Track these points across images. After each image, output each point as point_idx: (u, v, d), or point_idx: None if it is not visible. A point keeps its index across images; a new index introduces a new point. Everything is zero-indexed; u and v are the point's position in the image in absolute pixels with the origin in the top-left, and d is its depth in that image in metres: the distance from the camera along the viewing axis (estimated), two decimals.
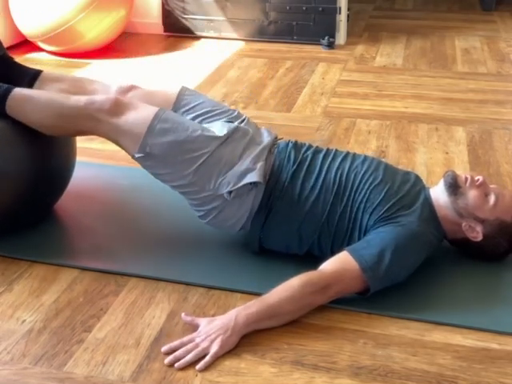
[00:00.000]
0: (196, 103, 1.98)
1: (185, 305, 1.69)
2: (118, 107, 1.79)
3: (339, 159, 1.85)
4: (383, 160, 1.94)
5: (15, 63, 2.02)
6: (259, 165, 1.78)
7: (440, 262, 1.83)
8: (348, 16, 4.18)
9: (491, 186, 1.83)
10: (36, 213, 2.00)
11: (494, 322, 1.63)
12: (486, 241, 1.79)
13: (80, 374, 1.47)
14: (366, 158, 1.89)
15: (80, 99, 1.82)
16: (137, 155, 1.78)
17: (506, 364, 1.51)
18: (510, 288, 1.78)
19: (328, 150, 1.91)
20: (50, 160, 1.95)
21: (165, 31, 4.31)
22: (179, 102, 1.97)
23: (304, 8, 4.04)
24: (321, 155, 1.86)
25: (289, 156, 1.84)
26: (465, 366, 1.50)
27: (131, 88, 2.01)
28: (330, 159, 1.84)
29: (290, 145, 1.88)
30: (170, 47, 4.09)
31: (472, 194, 1.78)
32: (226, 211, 1.79)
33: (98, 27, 3.71)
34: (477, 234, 1.78)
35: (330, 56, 3.89)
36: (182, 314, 1.61)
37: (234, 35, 4.20)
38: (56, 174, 2.00)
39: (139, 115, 1.79)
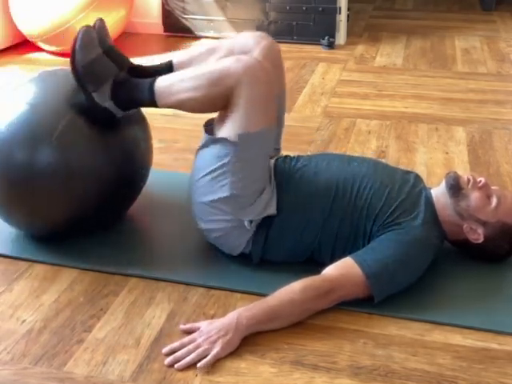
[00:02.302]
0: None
1: (185, 305, 1.69)
2: (258, 71, 1.69)
3: (335, 164, 1.84)
4: (380, 160, 1.93)
5: (144, 67, 1.94)
6: (274, 196, 1.78)
7: (440, 261, 1.82)
8: (348, 16, 4.18)
9: (493, 187, 1.82)
10: (110, 217, 1.98)
11: (494, 322, 1.63)
12: (487, 243, 1.78)
13: (80, 374, 1.47)
14: (363, 160, 1.89)
15: (223, 61, 1.75)
16: (233, 139, 1.69)
17: (506, 364, 1.51)
18: (511, 288, 1.78)
19: (321, 156, 1.90)
20: (132, 164, 1.93)
21: (165, 31, 4.31)
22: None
23: (304, 8, 4.04)
24: (313, 164, 1.85)
25: (276, 172, 1.83)
26: (465, 365, 1.50)
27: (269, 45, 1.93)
28: (323, 166, 1.84)
29: (279, 160, 1.89)
30: (169, 47, 4.09)
31: (474, 196, 1.77)
32: (231, 234, 1.78)
33: None
34: (478, 235, 1.78)
35: (330, 56, 3.89)
36: (180, 325, 1.61)
37: (234, 35, 4.19)
38: (133, 179, 1.97)
39: (267, 105, 1.72)
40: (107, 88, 1.77)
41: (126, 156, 1.89)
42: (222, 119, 1.74)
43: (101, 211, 1.88)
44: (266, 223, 1.77)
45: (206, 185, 1.75)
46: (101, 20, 1.84)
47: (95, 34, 1.78)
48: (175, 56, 1.97)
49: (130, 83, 1.78)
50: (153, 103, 1.76)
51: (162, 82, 1.76)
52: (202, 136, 1.79)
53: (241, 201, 1.73)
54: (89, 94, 1.76)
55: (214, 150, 1.73)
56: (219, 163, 1.72)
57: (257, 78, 1.68)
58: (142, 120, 1.98)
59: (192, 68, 1.81)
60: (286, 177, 1.82)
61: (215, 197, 1.73)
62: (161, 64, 1.94)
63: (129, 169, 1.91)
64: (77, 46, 1.75)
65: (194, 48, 2.00)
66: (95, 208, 1.85)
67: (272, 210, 1.76)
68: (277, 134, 1.96)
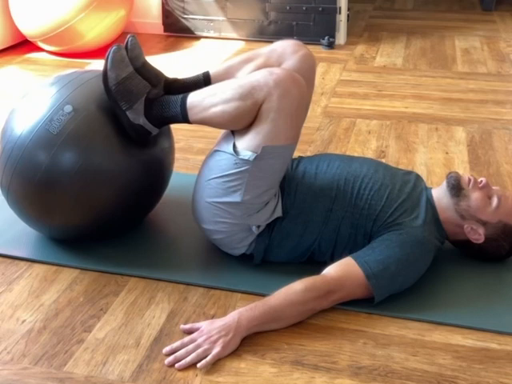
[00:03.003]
0: None
1: (185, 305, 1.69)
2: (290, 83, 1.66)
3: (335, 165, 1.84)
4: (381, 160, 1.93)
5: (180, 80, 1.92)
6: (279, 199, 1.77)
7: (440, 261, 1.83)
8: (348, 16, 4.18)
9: (494, 187, 1.82)
10: (133, 222, 1.98)
11: (493, 322, 1.63)
12: (487, 243, 1.78)
13: (80, 373, 1.47)
14: (363, 161, 1.88)
15: (255, 74, 1.72)
16: (252, 156, 1.68)
17: (506, 364, 1.51)
18: (510, 288, 1.78)
19: (322, 157, 1.90)
20: (159, 172, 1.92)
21: (165, 31, 4.32)
22: None
23: (304, 8, 4.04)
24: (313, 165, 1.85)
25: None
26: (465, 366, 1.50)
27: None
28: (324, 167, 1.84)
29: None
30: (169, 47, 4.09)
31: (475, 196, 1.77)
32: (235, 237, 1.77)
33: (98, 27, 3.71)
34: (479, 236, 1.77)
35: (330, 56, 3.89)
36: (181, 325, 1.60)
37: (234, 35, 4.20)
38: (159, 186, 1.97)
39: (296, 120, 1.70)
40: (140, 106, 1.76)
41: (154, 164, 1.89)
42: (247, 128, 1.71)
43: (125, 217, 1.88)
44: (270, 226, 1.77)
45: (217, 186, 1.73)
46: (133, 37, 1.82)
47: (125, 52, 1.77)
48: (212, 67, 1.95)
49: (161, 100, 1.77)
50: (185, 119, 1.75)
51: (192, 98, 1.74)
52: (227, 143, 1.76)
53: (250, 207, 1.72)
54: (123, 112, 1.76)
55: (234, 156, 1.71)
56: (236, 170, 1.70)
57: (288, 91, 1.66)
58: (167, 128, 1.97)
59: (223, 82, 1.78)
60: (288, 179, 1.81)
61: (225, 200, 1.72)
62: (197, 76, 1.92)
63: (156, 176, 1.92)
64: (108, 66, 1.75)
65: (231, 58, 1.98)
66: (120, 213, 1.85)
67: (278, 213, 1.76)
68: None
